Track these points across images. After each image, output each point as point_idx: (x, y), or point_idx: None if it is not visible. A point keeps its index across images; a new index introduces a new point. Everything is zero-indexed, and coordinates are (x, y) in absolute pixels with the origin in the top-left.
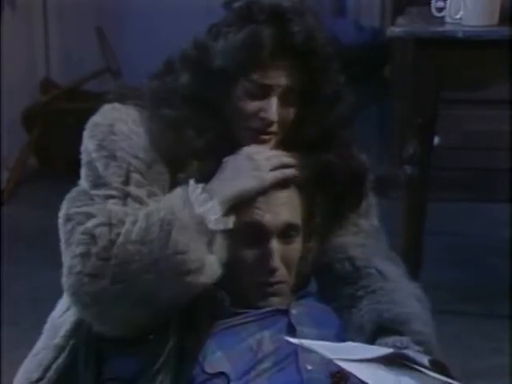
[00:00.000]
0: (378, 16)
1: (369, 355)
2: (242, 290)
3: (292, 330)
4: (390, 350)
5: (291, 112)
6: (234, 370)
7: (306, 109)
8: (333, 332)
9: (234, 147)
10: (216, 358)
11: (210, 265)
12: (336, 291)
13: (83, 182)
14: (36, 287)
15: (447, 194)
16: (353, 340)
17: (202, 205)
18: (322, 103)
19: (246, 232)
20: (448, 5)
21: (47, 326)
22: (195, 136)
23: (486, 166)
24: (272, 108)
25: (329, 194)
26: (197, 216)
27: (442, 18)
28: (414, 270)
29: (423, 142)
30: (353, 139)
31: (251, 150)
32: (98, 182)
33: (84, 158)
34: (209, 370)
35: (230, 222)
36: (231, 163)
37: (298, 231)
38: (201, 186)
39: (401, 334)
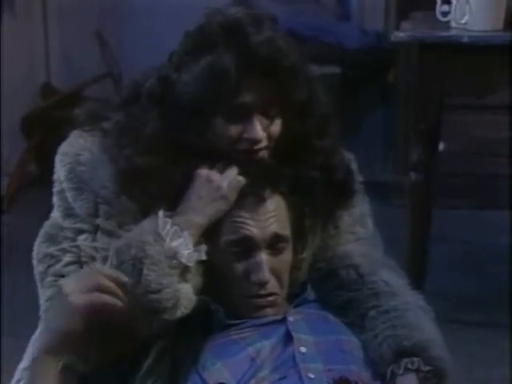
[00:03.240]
0: (382, 20)
1: None
2: (233, 303)
3: (289, 338)
4: None
5: (277, 123)
6: (234, 380)
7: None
8: (331, 338)
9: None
10: (216, 368)
11: (185, 295)
12: (339, 297)
13: (55, 212)
14: (36, 297)
15: (452, 200)
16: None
17: (174, 238)
18: (293, 111)
19: (235, 247)
20: (453, 9)
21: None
22: (165, 182)
23: (491, 172)
24: (254, 127)
25: (313, 203)
26: (169, 251)
27: (447, 22)
28: (419, 278)
29: (428, 148)
30: (336, 144)
31: (207, 172)
32: (68, 213)
33: (56, 186)
34: (209, 380)
35: (203, 253)
36: (194, 191)
37: (287, 242)
38: (170, 219)
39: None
